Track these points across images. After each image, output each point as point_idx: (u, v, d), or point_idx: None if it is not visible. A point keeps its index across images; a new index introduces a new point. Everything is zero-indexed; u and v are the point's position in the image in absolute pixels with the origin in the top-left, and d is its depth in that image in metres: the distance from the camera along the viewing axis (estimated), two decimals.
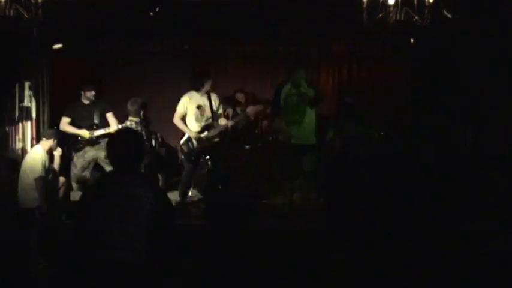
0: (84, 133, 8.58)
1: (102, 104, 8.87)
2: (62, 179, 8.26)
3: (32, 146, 8.67)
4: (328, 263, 6.22)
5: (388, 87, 10.22)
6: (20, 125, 8.82)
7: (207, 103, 8.48)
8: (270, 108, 8.49)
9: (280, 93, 8.04)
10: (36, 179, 7.50)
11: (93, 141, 8.63)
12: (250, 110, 8.60)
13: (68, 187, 8.41)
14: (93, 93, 8.70)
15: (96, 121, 8.67)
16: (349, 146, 8.19)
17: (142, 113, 7.98)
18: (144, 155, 4.08)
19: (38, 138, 8.68)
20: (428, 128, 8.75)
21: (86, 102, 8.73)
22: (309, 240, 6.90)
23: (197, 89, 8.46)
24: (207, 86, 8.45)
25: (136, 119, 7.88)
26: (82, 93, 8.72)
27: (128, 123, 7.88)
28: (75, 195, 8.31)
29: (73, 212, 3.97)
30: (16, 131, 8.75)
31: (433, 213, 6.91)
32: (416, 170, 7.78)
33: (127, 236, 3.70)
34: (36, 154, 7.73)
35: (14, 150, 8.62)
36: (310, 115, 7.95)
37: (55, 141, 7.96)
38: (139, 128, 7.77)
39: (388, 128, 8.92)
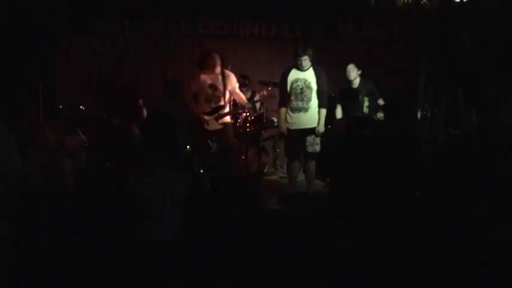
0: (115, 121, 8.36)
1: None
2: (70, 161, 8.29)
3: (39, 126, 8.72)
4: (332, 248, 6.25)
5: (395, 71, 10.19)
6: (27, 105, 8.88)
7: (219, 82, 8.36)
8: (279, 97, 8.37)
9: (287, 80, 8.01)
10: (43, 159, 7.55)
11: None
12: (260, 96, 8.64)
13: (77, 169, 8.45)
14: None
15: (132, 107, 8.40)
16: (355, 128, 8.19)
17: (177, 94, 7.97)
18: (178, 136, 4.14)
19: (46, 120, 8.73)
20: (435, 111, 8.74)
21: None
22: (313, 222, 6.93)
23: (205, 68, 8.35)
24: (213, 62, 8.28)
25: (171, 99, 7.84)
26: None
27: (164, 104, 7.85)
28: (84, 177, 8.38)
29: (107, 193, 4.06)
30: (24, 113, 8.80)
31: (438, 197, 6.93)
32: (422, 153, 7.79)
33: (164, 217, 3.78)
34: (43, 134, 7.77)
35: (22, 132, 8.67)
36: (316, 100, 7.94)
37: (63, 123, 8.00)
38: (178, 107, 7.77)
39: (394, 110, 8.92)
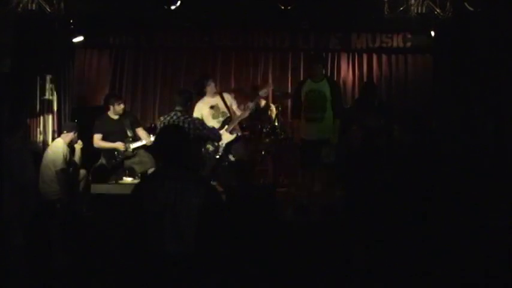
0: (119, 145, 8.49)
1: (131, 117, 8.84)
2: (82, 172, 8.31)
3: (53, 138, 8.75)
4: (347, 255, 6.23)
5: (409, 81, 10.17)
6: (42, 118, 8.90)
7: (220, 102, 8.55)
8: (292, 108, 8.41)
9: (301, 92, 7.99)
10: (57, 172, 7.56)
11: (130, 154, 8.57)
12: (263, 92, 8.69)
13: (89, 180, 8.46)
14: (122, 106, 8.63)
15: (129, 134, 8.58)
16: (370, 138, 8.16)
17: (189, 104, 7.99)
18: (190, 149, 4.14)
19: (59, 131, 8.76)
20: (450, 121, 8.70)
21: (115, 117, 8.62)
22: (328, 232, 6.90)
23: (203, 94, 8.52)
24: (210, 88, 8.49)
25: (182, 110, 7.86)
26: (111, 107, 8.58)
27: (176, 114, 7.84)
28: (96, 187, 8.37)
29: (124, 206, 4.05)
30: (37, 124, 8.83)
31: (454, 207, 6.88)
32: (438, 163, 7.74)
33: (177, 229, 3.76)
34: (57, 147, 7.80)
35: (35, 143, 8.70)
36: (330, 110, 7.90)
37: (76, 134, 8.02)
38: (187, 119, 7.78)
39: (409, 120, 8.87)
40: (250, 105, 8.64)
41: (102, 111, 8.73)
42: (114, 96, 8.82)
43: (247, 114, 8.64)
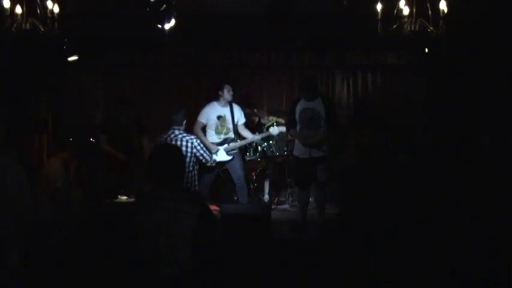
0: (121, 156, 8.69)
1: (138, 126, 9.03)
2: (78, 191, 8.27)
3: (48, 157, 8.72)
4: (344, 273, 6.21)
5: (403, 97, 10.20)
6: (36, 136, 8.91)
7: (228, 114, 8.56)
8: (286, 125, 8.45)
9: (295, 110, 8.00)
10: (52, 191, 7.52)
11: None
12: (275, 130, 8.67)
13: (84, 199, 8.42)
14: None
15: (135, 143, 8.77)
16: (364, 155, 8.17)
17: (185, 121, 8.03)
18: (185, 169, 4.14)
19: (54, 150, 8.74)
20: (444, 137, 8.72)
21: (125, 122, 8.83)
22: (324, 250, 6.88)
23: (217, 99, 8.56)
24: (227, 95, 8.50)
25: (180, 128, 7.91)
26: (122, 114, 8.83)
27: (173, 132, 7.89)
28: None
29: (115, 227, 4.05)
30: (32, 143, 8.82)
31: (450, 222, 6.87)
32: (433, 178, 7.75)
33: (172, 250, 3.74)
34: (53, 166, 7.76)
35: (30, 162, 8.67)
36: (324, 128, 7.90)
37: (71, 153, 8.00)
38: (185, 138, 7.85)
39: (403, 137, 8.89)
40: (257, 137, 8.69)
41: (97, 129, 8.77)
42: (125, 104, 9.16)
43: (255, 140, 8.68)
